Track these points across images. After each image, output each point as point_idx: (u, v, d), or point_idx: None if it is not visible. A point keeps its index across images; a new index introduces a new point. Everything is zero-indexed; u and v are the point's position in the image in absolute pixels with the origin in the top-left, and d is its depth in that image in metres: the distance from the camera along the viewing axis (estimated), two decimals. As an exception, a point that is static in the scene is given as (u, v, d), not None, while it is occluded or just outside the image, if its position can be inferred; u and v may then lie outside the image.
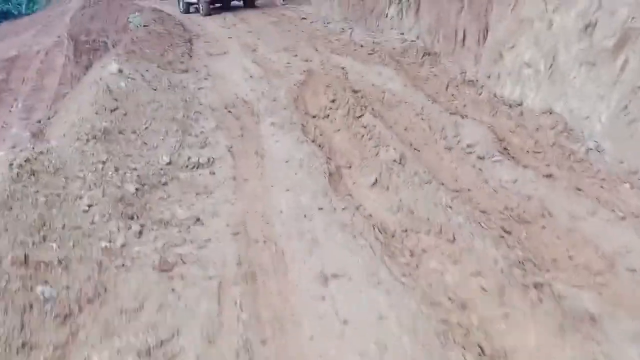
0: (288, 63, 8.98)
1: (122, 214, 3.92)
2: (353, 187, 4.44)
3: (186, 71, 8.92)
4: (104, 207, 3.92)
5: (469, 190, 4.21)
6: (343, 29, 11.48)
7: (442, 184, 4.22)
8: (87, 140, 4.76)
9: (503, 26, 6.39)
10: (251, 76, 8.40)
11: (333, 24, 12.22)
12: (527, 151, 4.68)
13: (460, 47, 7.60)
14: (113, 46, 13.00)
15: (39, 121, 8.40)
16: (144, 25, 12.29)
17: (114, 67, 6.81)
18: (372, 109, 6.10)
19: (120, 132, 5.17)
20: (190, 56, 10.16)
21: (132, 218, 3.94)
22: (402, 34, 10.01)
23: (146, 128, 5.54)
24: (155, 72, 8.10)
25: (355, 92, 7.00)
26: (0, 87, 19.97)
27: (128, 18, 13.05)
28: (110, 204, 3.97)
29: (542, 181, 4.16)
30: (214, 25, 13.89)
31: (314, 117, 6.37)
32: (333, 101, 6.65)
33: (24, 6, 29.12)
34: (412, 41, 9.45)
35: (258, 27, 12.94)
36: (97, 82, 6.13)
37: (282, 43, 10.59)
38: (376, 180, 4.40)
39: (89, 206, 3.91)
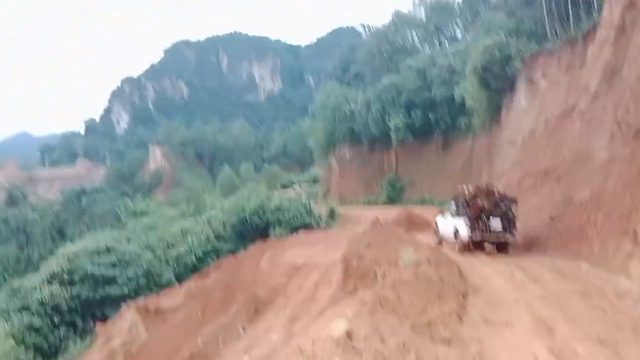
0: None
1: None
2: None
3: (449, 342, 6.54)
4: None
5: None
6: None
7: None
8: None
9: None
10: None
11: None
12: None
13: None
14: (381, 278, 11.74)
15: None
16: (414, 264, 10.67)
17: (341, 326, 4.84)
18: None
19: None
20: (461, 319, 7.79)
21: None
22: None
23: None
24: (403, 339, 5.90)
25: None
26: (279, 290, 20.97)
27: (400, 253, 11.76)
28: None
29: None
30: (499, 279, 11.48)
31: None
32: None
33: (323, 221, 32.18)
34: None
35: (556, 294, 9.98)
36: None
37: (594, 332, 7.31)
38: None
39: None
